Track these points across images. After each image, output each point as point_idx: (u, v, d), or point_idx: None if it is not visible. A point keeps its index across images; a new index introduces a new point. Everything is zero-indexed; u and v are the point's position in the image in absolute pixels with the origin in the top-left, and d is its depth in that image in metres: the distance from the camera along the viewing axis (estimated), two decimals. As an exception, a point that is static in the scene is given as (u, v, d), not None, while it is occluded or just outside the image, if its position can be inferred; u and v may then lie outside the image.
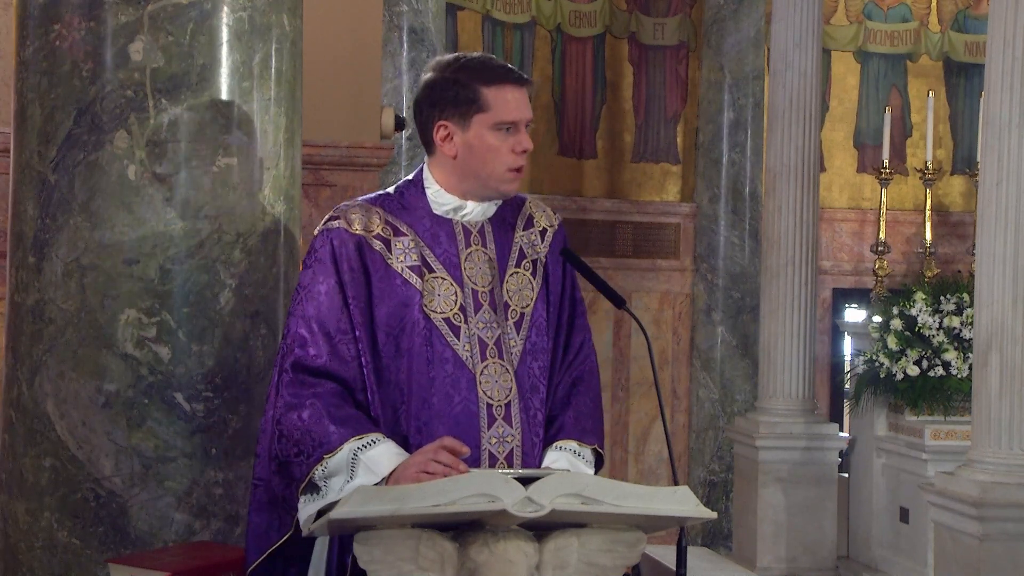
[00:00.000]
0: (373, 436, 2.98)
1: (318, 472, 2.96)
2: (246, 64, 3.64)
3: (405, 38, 8.75)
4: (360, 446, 2.96)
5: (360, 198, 3.22)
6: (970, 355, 6.97)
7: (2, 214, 4.67)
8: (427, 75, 3.17)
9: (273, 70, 3.71)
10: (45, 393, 3.59)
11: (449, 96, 3.10)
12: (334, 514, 2.70)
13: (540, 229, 3.28)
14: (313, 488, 2.99)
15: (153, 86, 3.55)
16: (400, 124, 6.57)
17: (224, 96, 3.60)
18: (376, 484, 2.94)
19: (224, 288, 3.60)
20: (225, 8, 3.61)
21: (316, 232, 3.14)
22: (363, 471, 2.95)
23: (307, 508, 3.01)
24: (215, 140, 3.60)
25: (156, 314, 3.54)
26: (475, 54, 3.16)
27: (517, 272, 3.21)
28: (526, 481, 2.71)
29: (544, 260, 3.25)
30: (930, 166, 9.37)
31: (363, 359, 3.06)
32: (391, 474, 2.94)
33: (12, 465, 3.65)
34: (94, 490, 3.54)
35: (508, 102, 3.08)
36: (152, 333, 3.54)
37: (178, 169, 3.56)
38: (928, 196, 9.60)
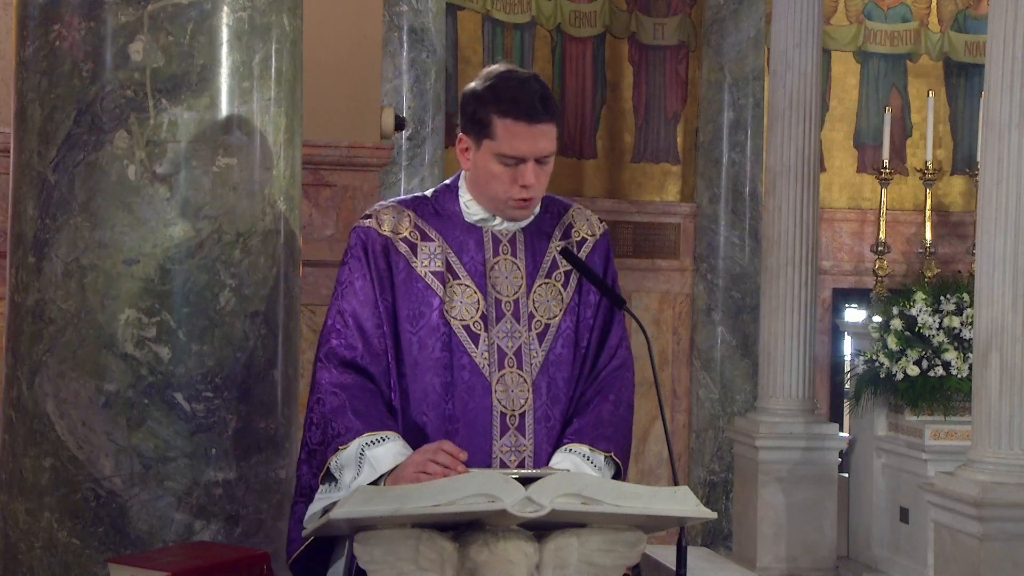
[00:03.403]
0: (384, 433, 3.02)
1: (333, 463, 3.04)
2: (246, 64, 3.64)
3: (405, 38, 8.75)
4: (368, 442, 3.01)
5: (396, 199, 3.29)
6: (970, 355, 6.97)
7: (2, 214, 4.67)
8: (470, 83, 3.18)
9: (273, 70, 3.71)
10: (45, 393, 3.59)
11: (469, 112, 3.12)
12: (334, 514, 2.70)
13: (579, 239, 3.27)
14: (330, 477, 3.07)
15: (153, 86, 3.55)
16: (400, 124, 6.57)
17: (224, 96, 3.60)
18: (374, 481, 2.96)
19: (224, 288, 3.60)
20: (225, 8, 3.61)
21: (351, 229, 3.23)
22: (367, 468, 3.00)
23: (315, 504, 3.05)
24: (215, 140, 3.59)
25: (156, 314, 3.54)
26: (517, 75, 3.11)
27: (547, 283, 3.22)
28: (526, 481, 2.71)
29: None
30: (930, 166, 9.37)
31: (389, 355, 3.12)
32: (392, 472, 2.96)
33: (12, 465, 3.65)
34: (94, 490, 3.54)
35: (515, 137, 3.06)
36: (152, 333, 3.54)
37: (178, 169, 3.56)
38: (928, 196, 9.60)
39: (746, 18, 10.56)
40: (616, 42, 11.04)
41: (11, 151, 3.73)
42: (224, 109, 3.60)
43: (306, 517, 3.08)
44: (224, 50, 3.61)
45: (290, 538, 3.18)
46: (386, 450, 3.00)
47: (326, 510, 2.95)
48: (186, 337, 3.55)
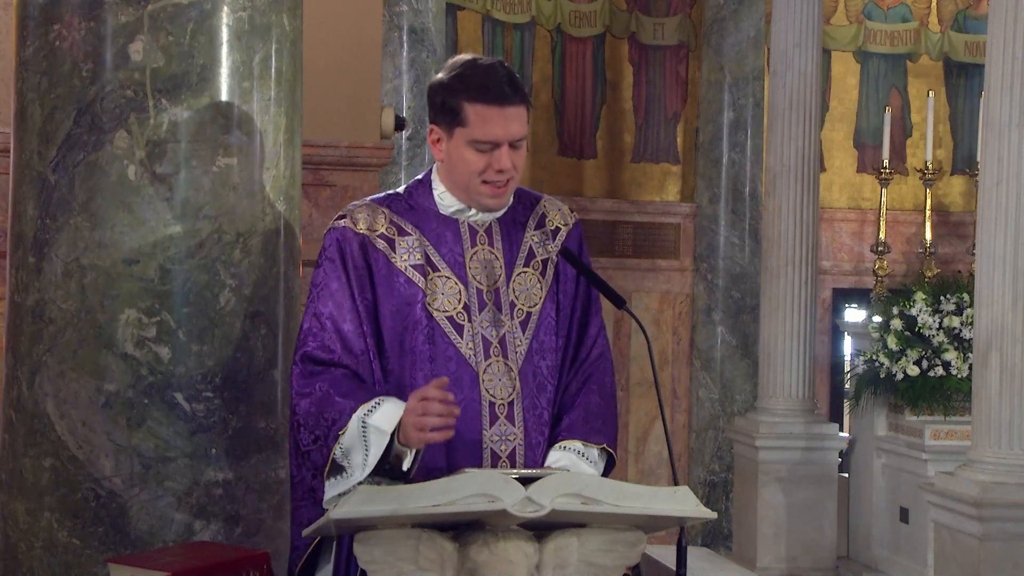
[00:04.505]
0: (376, 400, 2.99)
1: (337, 452, 2.99)
2: (246, 64, 3.64)
3: (405, 38, 8.75)
4: (366, 412, 2.98)
5: (369, 198, 3.28)
6: (970, 355, 6.97)
7: (2, 214, 4.67)
8: (436, 75, 3.20)
9: (273, 70, 3.71)
10: (45, 393, 3.59)
11: (438, 103, 3.13)
12: (334, 514, 2.70)
13: (553, 228, 3.29)
14: (337, 469, 3.02)
15: (153, 86, 3.55)
16: (400, 124, 6.57)
17: (224, 96, 3.60)
18: (388, 444, 2.94)
19: (224, 288, 3.60)
20: (225, 8, 3.61)
21: (326, 231, 3.20)
22: (374, 435, 2.96)
23: (332, 491, 3.02)
24: (215, 140, 3.59)
25: (156, 314, 3.54)
26: (482, 62, 3.13)
27: (525, 272, 3.22)
28: (526, 481, 2.71)
29: (555, 259, 3.25)
30: (930, 166, 9.37)
31: (370, 354, 3.10)
32: (399, 429, 2.95)
33: (12, 465, 3.65)
34: (94, 490, 3.54)
35: (487, 122, 3.06)
36: (152, 333, 3.54)
37: (178, 169, 3.56)
38: (928, 196, 9.60)
39: (746, 18, 10.56)
40: (616, 42, 11.05)
41: (11, 151, 3.73)
42: (224, 109, 3.60)
43: (325, 500, 3.05)
44: (224, 50, 3.61)
45: (294, 544, 3.15)
46: (383, 412, 2.97)
47: (342, 495, 2.94)
48: (186, 337, 3.56)
